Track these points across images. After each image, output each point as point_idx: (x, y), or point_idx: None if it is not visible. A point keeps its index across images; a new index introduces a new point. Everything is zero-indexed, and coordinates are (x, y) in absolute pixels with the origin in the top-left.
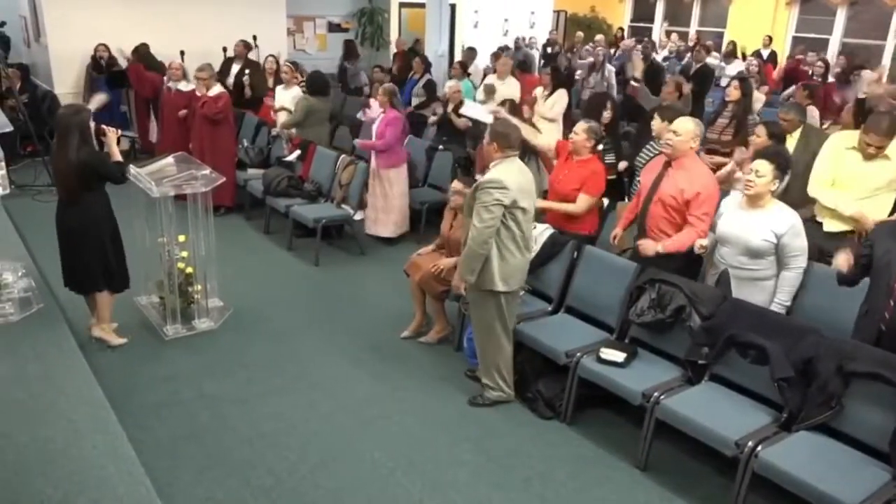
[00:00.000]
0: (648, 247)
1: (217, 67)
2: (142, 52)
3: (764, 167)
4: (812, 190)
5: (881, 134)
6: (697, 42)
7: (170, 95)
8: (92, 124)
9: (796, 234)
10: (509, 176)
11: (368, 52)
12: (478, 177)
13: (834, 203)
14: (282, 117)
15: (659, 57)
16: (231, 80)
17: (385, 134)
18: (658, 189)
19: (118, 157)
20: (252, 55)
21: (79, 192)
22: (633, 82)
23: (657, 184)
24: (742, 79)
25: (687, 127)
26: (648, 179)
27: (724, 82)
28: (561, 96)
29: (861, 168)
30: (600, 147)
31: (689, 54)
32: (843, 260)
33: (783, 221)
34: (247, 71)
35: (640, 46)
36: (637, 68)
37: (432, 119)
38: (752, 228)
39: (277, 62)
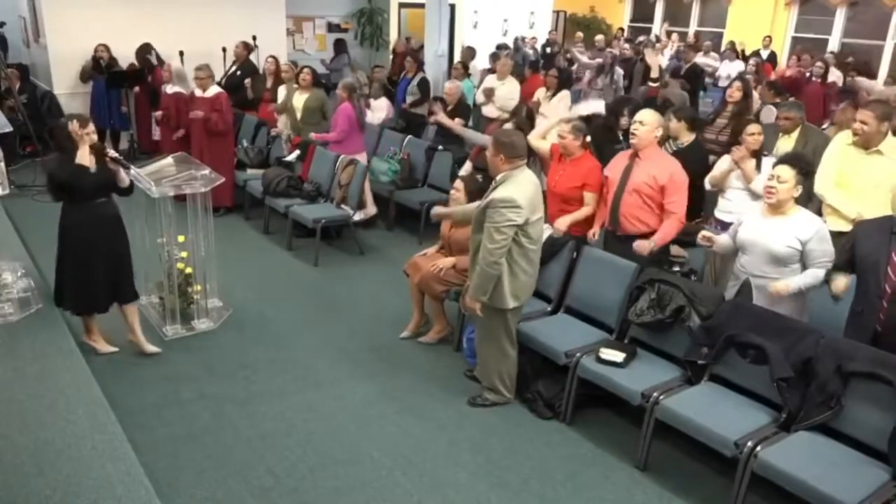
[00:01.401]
0: (643, 247)
1: (219, 68)
2: (145, 52)
3: (786, 173)
4: (818, 188)
5: (867, 109)
6: (696, 41)
7: (166, 97)
8: (80, 131)
9: (821, 238)
10: (521, 192)
11: (368, 52)
12: (465, 170)
13: (839, 203)
14: (282, 119)
15: (663, 59)
16: (223, 81)
17: (338, 125)
18: (629, 180)
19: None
20: (252, 56)
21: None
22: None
23: (627, 175)
24: (744, 79)
25: (651, 118)
26: (615, 173)
27: (722, 82)
28: (564, 98)
29: (859, 163)
30: (588, 139)
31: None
32: (841, 287)
33: (807, 227)
34: (238, 73)
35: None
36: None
37: (432, 119)
38: (774, 235)
39: (277, 62)
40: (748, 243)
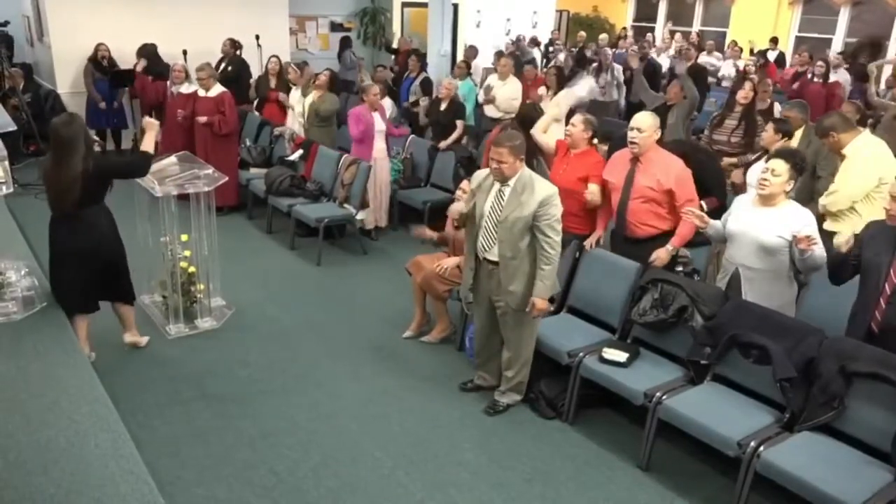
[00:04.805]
0: (662, 256)
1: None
2: (149, 52)
3: (780, 166)
4: None
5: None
6: (699, 40)
7: (174, 101)
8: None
9: (812, 227)
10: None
11: (371, 51)
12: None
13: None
14: (290, 120)
15: (663, 57)
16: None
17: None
18: (633, 185)
19: (149, 148)
20: (254, 55)
21: (81, 206)
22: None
23: (630, 181)
24: (752, 80)
25: (648, 121)
26: (617, 176)
27: (726, 82)
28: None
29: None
30: (595, 140)
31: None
32: (843, 241)
33: (797, 219)
34: (229, 68)
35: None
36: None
37: (422, 116)
38: (764, 226)
39: (280, 63)
40: (737, 234)
